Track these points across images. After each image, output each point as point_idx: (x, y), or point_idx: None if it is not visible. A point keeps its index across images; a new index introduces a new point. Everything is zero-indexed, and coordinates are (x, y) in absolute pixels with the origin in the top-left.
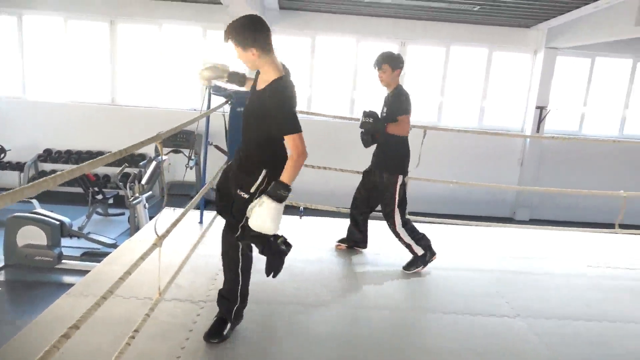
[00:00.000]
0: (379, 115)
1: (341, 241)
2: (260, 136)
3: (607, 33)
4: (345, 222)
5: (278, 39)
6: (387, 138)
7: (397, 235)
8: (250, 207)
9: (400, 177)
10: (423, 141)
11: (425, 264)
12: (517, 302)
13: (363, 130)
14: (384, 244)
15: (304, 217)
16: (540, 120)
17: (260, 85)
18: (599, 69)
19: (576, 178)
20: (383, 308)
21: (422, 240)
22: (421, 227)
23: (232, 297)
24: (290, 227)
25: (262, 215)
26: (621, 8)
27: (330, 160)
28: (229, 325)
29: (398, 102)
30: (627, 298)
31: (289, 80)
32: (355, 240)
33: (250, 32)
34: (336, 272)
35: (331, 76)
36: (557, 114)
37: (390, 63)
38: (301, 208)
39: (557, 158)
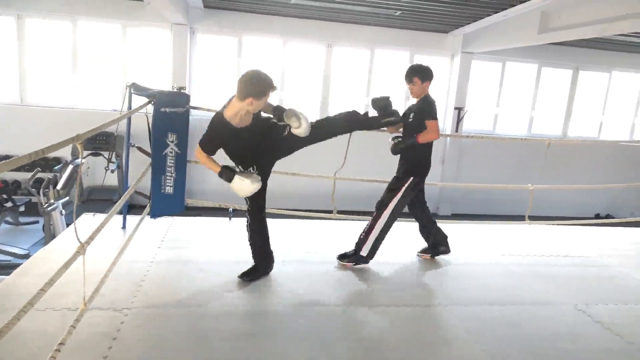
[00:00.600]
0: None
1: (423, 251)
2: None
3: (515, 40)
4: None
5: (202, 39)
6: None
7: (371, 228)
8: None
9: (411, 180)
10: (349, 142)
11: (357, 264)
12: (441, 293)
13: (394, 151)
14: (320, 242)
15: (233, 219)
16: (458, 120)
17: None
18: (509, 72)
19: (491, 173)
20: (316, 304)
21: (375, 248)
22: (356, 224)
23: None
24: (220, 230)
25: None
26: (526, 18)
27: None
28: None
29: (425, 109)
30: (537, 283)
31: None
32: (434, 245)
33: None
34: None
35: None
36: (474, 114)
37: (420, 75)
38: (230, 210)
39: (474, 155)
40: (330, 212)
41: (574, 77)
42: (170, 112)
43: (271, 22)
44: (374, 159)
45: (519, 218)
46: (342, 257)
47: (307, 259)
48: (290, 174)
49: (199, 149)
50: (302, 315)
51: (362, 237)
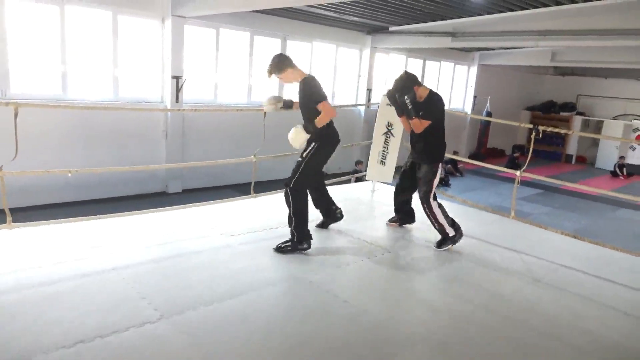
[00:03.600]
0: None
1: (391, 220)
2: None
3: (224, 5)
4: None
5: None
6: (423, 134)
7: (435, 219)
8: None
9: (439, 166)
10: (16, 123)
11: (454, 242)
12: (160, 300)
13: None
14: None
15: None
16: (177, 90)
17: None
18: (224, 40)
19: (218, 144)
20: None
21: (454, 223)
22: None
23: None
24: None
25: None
26: None
27: None
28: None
29: (426, 107)
30: (267, 261)
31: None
32: (401, 218)
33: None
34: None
35: None
36: (194, 83)
37: (415, 84)
38: None
39: (198, 127)
40: None
41: (282, 46)
42: None
43: None
44: (84, 140)
45: (248, 186)
46: (440, 244)
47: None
48: None
49: (325, 105)
50: None
51: (438, 229)
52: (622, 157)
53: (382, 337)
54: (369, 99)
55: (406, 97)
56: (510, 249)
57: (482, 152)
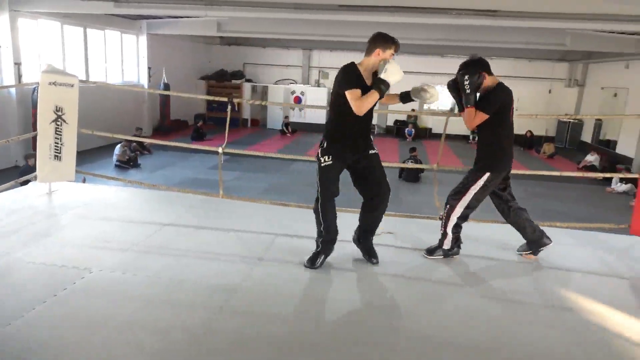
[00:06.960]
0: None
1: (523, 250)
2: None
3: None
4: None
5: None
6: (480, 133)
7: (447, 219)
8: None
9: (487, 175)
10: None
11: (446, 256)
12: None
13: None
14: None
15: None
16: None
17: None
18: None
19: None
20: None
21: (458, 239)
22: None
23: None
24: None
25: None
26: None
27: None
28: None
29: (486, 97)
30: None
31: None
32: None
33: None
34: None
35: None
36: None
37: (484, 69)
38: None
39: None
40: None
41: None
42: None
43: None
44: None
45: None
46: (429, 251)
47: None
48: None
49: (352, 94)
50: None
51: (441, 231)
52: (286, 117)
53: None
54: (19, 76)
55: (466, 77)
56: (226, 230)
57: (167, 124)
